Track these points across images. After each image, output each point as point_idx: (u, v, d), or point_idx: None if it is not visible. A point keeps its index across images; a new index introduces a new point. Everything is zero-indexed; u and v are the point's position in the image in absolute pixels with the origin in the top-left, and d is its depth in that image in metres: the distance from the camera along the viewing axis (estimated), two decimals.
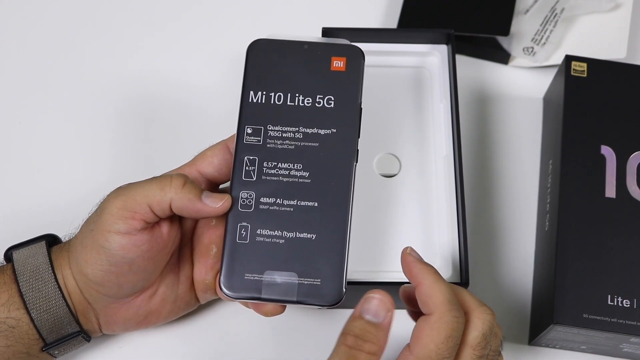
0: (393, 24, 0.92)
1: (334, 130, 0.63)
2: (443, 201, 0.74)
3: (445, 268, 0.71)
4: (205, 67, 0.90)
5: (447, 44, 0.79)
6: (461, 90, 0.84)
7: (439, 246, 0.72)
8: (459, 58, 0.88)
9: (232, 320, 0.75)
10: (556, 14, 0.88)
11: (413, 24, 0.89)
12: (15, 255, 0.65)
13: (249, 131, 0.63)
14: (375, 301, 0.57)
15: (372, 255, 0.73)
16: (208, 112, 0.86)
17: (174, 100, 0.87)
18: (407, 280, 0.69)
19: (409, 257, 0.60)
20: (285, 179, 0.62)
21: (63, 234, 0.69)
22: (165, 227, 0.63)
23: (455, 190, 0.73)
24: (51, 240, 0.68)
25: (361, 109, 0.64)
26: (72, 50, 0.90)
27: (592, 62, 0.78)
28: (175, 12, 0.94)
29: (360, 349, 0.56)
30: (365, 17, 0.93)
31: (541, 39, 0.88)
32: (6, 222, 0.79)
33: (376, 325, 0.57)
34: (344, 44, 0.65)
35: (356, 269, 0.71)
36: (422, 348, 0.56)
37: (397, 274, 0.71)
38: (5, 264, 0.67)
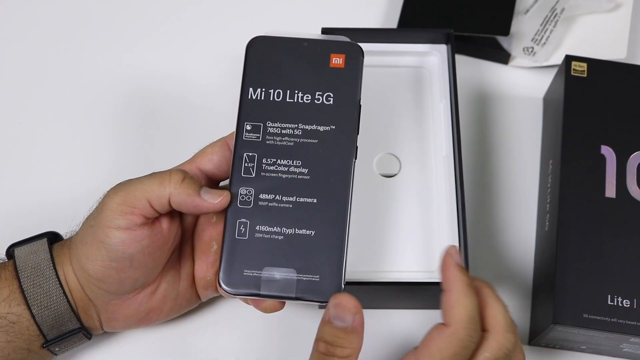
0: (393, 24, 0.92)
1: (333, 127, 0.63)
2: (443, 201, 0.74)
3: None
4: (204, 64, 0.90)
5: (446, 43, 0.80)
6: (461, 90, 0.84)
7: (439, 246, 0.72)
8: (459, 58, 0.89)
9: (233, 319, 0.75)
10: (556, 14, 0.88)
11: (413, 24, 0.89)
12: (17, 252, 0.66)
13: (248, 128, 0.63)
14: (340, 308, 0.57)
15: (372, 255, 0.73)
16: (207, 109, 0.86)
17: (173, 97, 0.87)
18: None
19: (449, 259, 0.59)
20: (284, 176, 0.62)
21: (64, 232, 0.69)
22: (165, 223, 0.64)
23: (456, 190, 0.73)
24: (52, 238, 0.68)
25: (360, 106, 0.64)
26: (71, 49, 0.91)
27: (592, 62, 0.79)
28: (174, 10, 0.94)
29: (333, 355, 0.56)
30: (365, 17, 0.93)
31: (541, 39, 0.88)
32: (8, 220, 0.80)
33: (345, 329, 0.57)
34: (343, 41, 0.65)
35: (356, 269, 0.71)
36: (427, 356, 0.56)
37: (397, 274, 0.71)
38: (7, 260, 0.67)
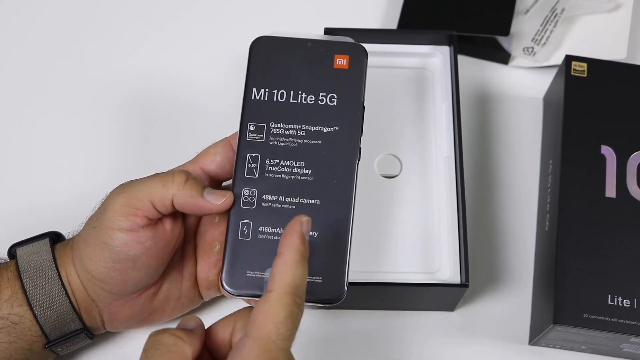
0: (393, 24, 0.92)
1: (337, 128, 0.63)
2: (444, 202, 0.74)
3: (445, 268, 0.72)
4: (207, 65, 0.90)
5: (449, 45, 0.80)
6: (461, 90, 0.84)
7: (439, 246, 0.73)
8: (459, 58, 0.88)
9: None
10: (556, 14, 0.88)
11: (413, 24, 0.89)
12: (19, 252, 0.65)
13: (252, 128, 0.63)
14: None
15: (372, 256, 0.73)
16: (210, 110, 0.86)
17: (176, 98, 0.87)
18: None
19: (295, 226, 0.55)
20: (287, 177, 0.62)
21: (66, 232, 0.69)
22: (168, 224, 0.64)
23: (456, 190, 0.73)
24: (55, 238, 0.68)
25: (364, 107, 0.64)
26: (72, 49, 0.91)
27: (592, 62, 0.79)
28: (176, 11, 0.94)
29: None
30: (365, 17, 0.93)
31: (541, 39, 0.88)
32: (9, 220, 0.80)
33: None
34: (347, 42, 0.65)
35: (356, 270, 0.71)
36: (259, 328, 0.52)
37: (397, 275, 0.72)
38: (8, 260, 0.67)
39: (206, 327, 0.58)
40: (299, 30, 0.66)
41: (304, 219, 0.55)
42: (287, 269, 0.53)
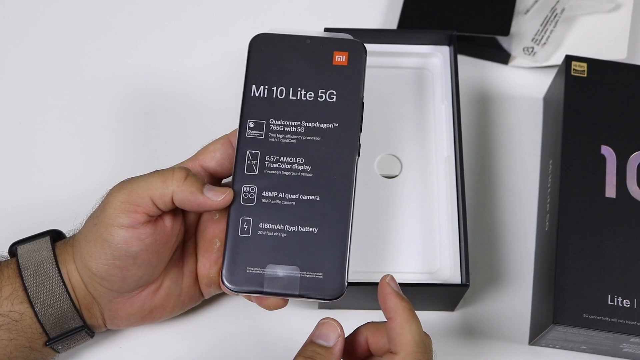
0: (393, 24, 0.92)
1: (336, 125, 0.63)
2: (444, 202, 0.74)
3: (446, 268, 0.72)
4: (206, 63, 0.90)
5: (449, 45, 0.80)
6: (461, 90, 0.84)
7: (439, 246, 0.73)
8: (459, 58, 0.88)
9: (235, 317, 0.75)
10: (556, 14, 0.88)
11: (413, 24, 0.89)
12: (20, 250, 0.66)
13: (251, 125, 0.63)
14: (327, 326, 0.59)
15: (372, 256, 0.73)
16: (210, 107, 0.86)
17: (175, 96, 0.87)
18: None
19: (387, 288, 0.59)
20: (287, 173, 0.62)
21: (67, 230, 0.69)
22: (168, 221, 0.64)
23: (456, 190, 0.73)
24: (55, 236, 0.68)
25: (363, 103, 0.64)
26: (72, 48, 0.91)
27: (592, 62, 0.79)
28: (176, 10, 0.94)
29: None
30: (365, 17, 0.93)
31: (541, 39, 0.88)
32: (10, 218, 0.80)
33: (326, 348, 0.58)
34: (346, 39, 0.65)
35: (357, 270, 0.71)
36: None
37: (398, 275, 0.71)
38: (9, 258, 0.67)
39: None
40: (298, 28, 0.66)
41: (388, 278, 0.60)
42: (402, 330, 0.57)
